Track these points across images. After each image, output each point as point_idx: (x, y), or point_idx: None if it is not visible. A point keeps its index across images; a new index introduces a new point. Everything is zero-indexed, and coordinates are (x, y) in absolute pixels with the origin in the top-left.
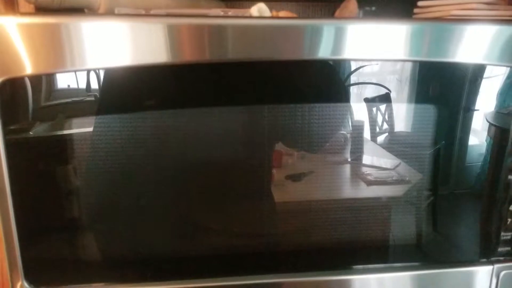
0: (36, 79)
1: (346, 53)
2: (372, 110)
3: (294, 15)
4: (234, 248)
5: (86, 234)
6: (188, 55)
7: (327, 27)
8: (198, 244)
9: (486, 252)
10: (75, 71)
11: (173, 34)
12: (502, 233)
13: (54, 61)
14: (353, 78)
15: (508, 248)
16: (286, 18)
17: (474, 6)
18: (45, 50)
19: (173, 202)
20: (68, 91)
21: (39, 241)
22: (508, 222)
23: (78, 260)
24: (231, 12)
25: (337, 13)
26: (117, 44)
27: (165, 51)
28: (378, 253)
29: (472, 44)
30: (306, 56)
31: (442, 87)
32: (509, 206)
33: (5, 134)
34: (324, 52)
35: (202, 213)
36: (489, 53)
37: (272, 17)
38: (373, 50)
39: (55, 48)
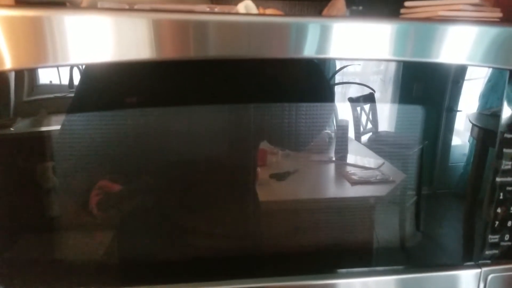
0: (17, 74)
1: (332, 52)
2: (356, 110)
3: (281, 13)
4: (217, 251)
5: (64, 236)
6: (173, 52)
7: (313, 25)
8: (180, 247)
9: (473, 255)
10: (57, 66)
11: (158, 30)
12: (490, 236)
13: (36, 56)
14: (337, 78)
15: (496, 251)
16: (272, 15)
17: (460, 7)
18: (27, 44)
19: (155, 202)
20: (51, 87)
21: (14, 243)
22: (496, 225)
23: (56, 264)
24: (217, 8)
25: (325, 12)
26: (100, 39)
27: (149, 47)
28: (363, 256)
29: (457, 45)
30: (291, 54)
31: (425, 88)
32: (496, 209)
33: None
34: (309, 50)
35: (185, 214)
36: (473, 53)
37: (258, 14)
38: (359, 49)
39: (37, 42)
